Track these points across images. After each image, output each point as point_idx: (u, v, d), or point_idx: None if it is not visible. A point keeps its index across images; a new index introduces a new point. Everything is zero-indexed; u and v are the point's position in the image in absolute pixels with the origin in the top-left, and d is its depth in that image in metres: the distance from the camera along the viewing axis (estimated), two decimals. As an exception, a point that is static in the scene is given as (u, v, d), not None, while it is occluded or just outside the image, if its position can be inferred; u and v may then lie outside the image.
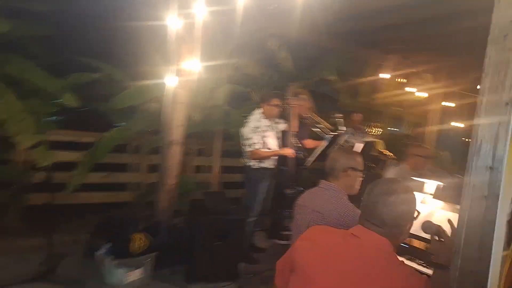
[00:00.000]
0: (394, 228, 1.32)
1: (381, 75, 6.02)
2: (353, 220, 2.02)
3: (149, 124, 4.99)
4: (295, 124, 4.10)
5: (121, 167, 5.21)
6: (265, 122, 3.95)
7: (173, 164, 3.69)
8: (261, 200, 3.94)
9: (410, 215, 1.38)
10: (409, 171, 3.73)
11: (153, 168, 5.32)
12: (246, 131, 3.88)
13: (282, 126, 4.17)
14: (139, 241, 3.10)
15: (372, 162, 4.30)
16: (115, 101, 4.51)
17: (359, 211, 2.07)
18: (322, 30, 5.14)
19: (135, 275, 2.93)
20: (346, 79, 6.51)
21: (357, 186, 2.23)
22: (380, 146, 4.16)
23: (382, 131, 4.70)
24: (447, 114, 6.79)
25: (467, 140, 8.73)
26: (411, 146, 3.87)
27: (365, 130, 4.78)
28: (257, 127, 3.86)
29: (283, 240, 4.55)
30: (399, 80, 6.42)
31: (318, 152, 3.49)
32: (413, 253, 2.33)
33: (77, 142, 4.74)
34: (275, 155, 3.92)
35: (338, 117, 4.00)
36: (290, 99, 4.05)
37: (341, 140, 4.21)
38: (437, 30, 4.72)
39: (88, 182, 4.42)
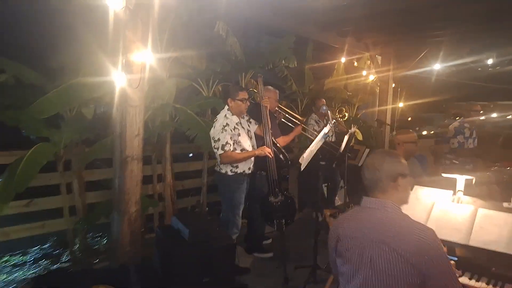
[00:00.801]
0: None
1: (336, 60, 5.77)
2: (438, 248, 1.56)
3: (82, 133, 4.03)
4: (270, 121, 3.58)
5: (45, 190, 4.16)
6: (234, 119, 3.39)
7: (132, 186, 2.88)
8: (241, 212, 3.37)
9: None
10: None
11: (90, 186, 4.39)
12: (214, 131, 3.31)
13: (254, 126, 3.61)
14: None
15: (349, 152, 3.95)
16: (32, 110, 3.44)
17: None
18: (274, 10, 4.62)
19: None
20: (300, 65, 6.14)
21: (408, 196, 1.78)
22: (359, 136, 3.85)
23: (347, 117, 4.40)
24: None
25: (409, 119, 9.09)
26: (399, 133, 3.61)
27: (331, 117, 4.42)
28: (226, 126, 3.26)
29: (265, 253, 4.04)
30: (352, 63, 6.24)
31: (313, 152, 3.01)
32: (472, 269, 1.98)
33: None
34: (251, 156, 3.36)
35: (328, 109, 3.54)
36: (263, 92, 3.53)
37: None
38: (387, 8, 4.50)
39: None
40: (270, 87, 4.03)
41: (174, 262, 2.59)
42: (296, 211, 3.58)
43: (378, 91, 6.50)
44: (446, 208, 2.25)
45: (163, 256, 2.76)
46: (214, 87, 5.54)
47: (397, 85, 7.04)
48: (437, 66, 5.85)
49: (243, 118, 3.53)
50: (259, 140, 3.56)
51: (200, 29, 4.78)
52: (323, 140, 2.95)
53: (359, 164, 4.33)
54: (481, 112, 4.71)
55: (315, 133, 4.53)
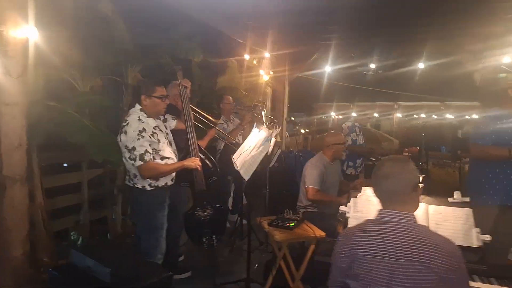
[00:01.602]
0: None
1: (229, 57, 5.49)
2: (462, 259, 1.46)
3: None
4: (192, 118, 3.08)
5: None
6: (151, 123, 2.76)
7: (16, 220, 2.00)
8: (164, 233, 2.77)
9: None
10: (330, 161, 3.45)
11: None
12: (127, 138, 2.61)
13: (171, 122, 3.05)
14: None
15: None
16: None
17: None
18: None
19: None
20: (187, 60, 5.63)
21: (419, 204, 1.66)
22: (277, 138, 3.69)
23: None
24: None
25: (291, 118, 9.53)
26: (328, 135, 3.59)
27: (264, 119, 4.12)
28: (143, 131, 2.63)
29: (181, 273, 3.47)
30: (244, 62, 6.00)
31: (257, 160, 2.58)
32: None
33: None
34: (179, 168, 2.80)
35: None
36: (185, 88, 3.01)
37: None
38: (287, 8, 4.51)
39: None
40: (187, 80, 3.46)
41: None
42: (226, 223, 3.17)
43: (268, 91, 6.53)
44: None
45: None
46: (92, 80, 4.59)
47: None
48: (328, 69, 6.24)
49: (159, 119, 2.92)
50: (181, 137, 3.00)
51: (77, 7, 3.83)
52: (268, 146, 2.59)
53: (270, 166, 4.21)
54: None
55: (224, 133, 4.19)
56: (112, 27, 4.10)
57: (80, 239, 4.37)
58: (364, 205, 2.30)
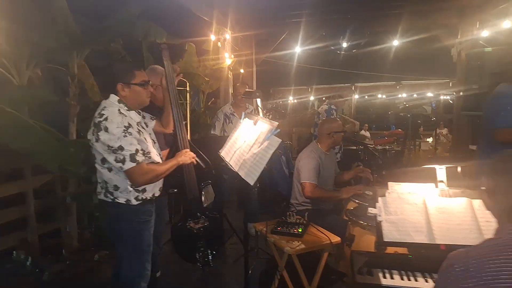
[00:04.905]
0: None
1: (194, 39, 4.88)
2: None
3: None
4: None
5: None
6: (134, 117, 2.20)
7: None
8: (150, 256, 2.25)
9: None
10: (325, 152, 3.10)
11: None
12: (110, 136, 2.01)
13: (151, 123, 2.48)
14: None
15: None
16: None
17: None
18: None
19: None
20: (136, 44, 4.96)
21: None
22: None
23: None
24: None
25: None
26: (326, 122, 3.21)
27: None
28: (129, 127, 2.07)
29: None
30: (216, 44, 5.34)
31: (263, 164, 2.03)
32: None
33: None
34: (174, 166, 2.27)
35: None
36: (172, 71, 2.50)
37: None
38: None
39: None
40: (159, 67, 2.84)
41: None
42: (222, 235, 2.69)
43: (230, 76, 5.99)
44: (439, 205, 1.96)
45: None
46: (30, 71, 3.80)
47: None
48: (297, 49, 5.85)
49: (139, 114, 2.33)
50: (159, 141, 2.46)
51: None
52: (277, 141, 2.06)
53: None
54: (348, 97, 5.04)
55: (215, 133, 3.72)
56: (52, 4, 3.35)
57: (29, 259, 3.73)
58: (397, 205, 1.98)
